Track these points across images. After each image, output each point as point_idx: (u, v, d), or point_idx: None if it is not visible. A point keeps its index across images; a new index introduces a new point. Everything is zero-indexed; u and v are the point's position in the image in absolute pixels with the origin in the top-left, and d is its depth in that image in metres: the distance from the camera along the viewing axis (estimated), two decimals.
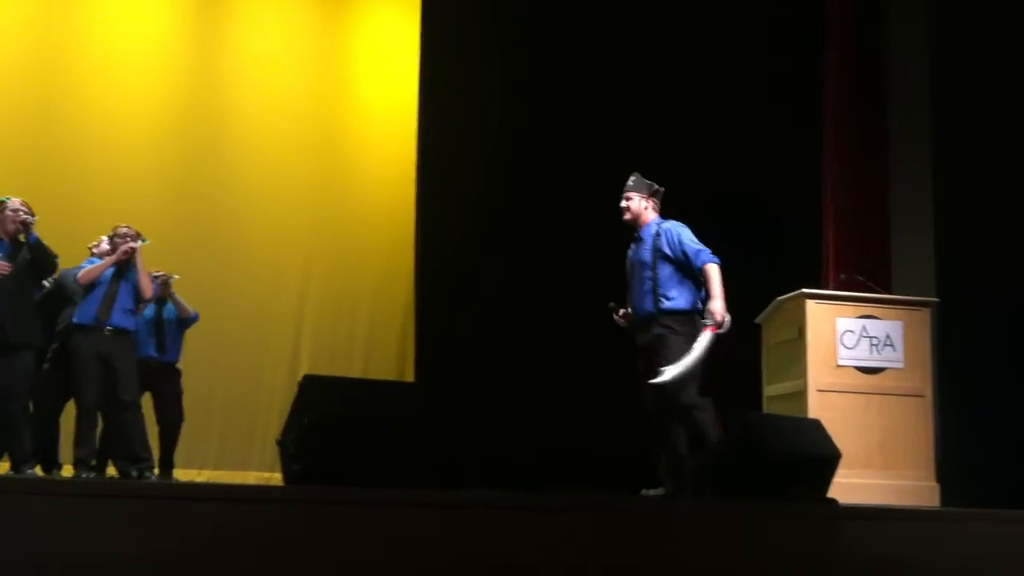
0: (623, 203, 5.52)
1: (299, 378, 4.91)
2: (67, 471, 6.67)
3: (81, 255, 6.93)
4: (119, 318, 6.50)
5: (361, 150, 9.68)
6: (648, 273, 5.31)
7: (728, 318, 5.22)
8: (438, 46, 9.66)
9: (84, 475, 6.20)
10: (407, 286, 9.45)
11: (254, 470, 7.46)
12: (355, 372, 8.85)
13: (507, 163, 9.04)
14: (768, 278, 7.36)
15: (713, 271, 5.25)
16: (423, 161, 9.62)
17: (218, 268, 8.70)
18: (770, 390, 6.75)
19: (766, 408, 6.71)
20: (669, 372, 5.11)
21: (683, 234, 5.34)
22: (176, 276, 7.33)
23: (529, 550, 3.94)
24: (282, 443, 4.69)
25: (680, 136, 8.89)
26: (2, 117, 8.41)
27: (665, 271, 5.29)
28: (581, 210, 8.32)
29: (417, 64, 9.78)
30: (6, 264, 6.13)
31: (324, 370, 8.23)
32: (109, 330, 6.43)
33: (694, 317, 5.23)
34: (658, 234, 5.37)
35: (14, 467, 6.09)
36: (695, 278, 5.29)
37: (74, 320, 6.47)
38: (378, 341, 9.32)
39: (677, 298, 5.27)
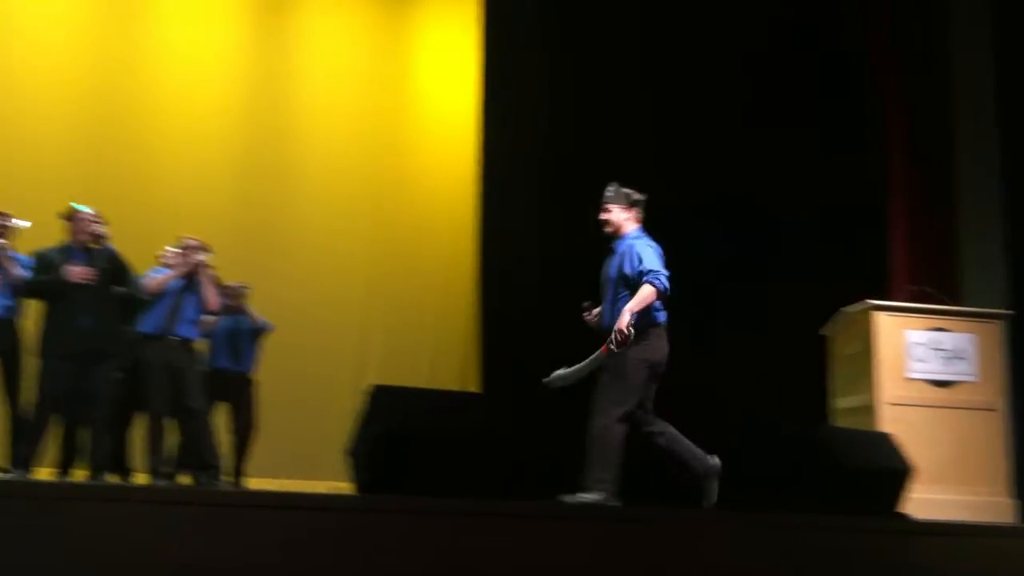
0: (602, 216, 5.37)
1: (367, 386, 4.96)
2: (139, 478, 6.76)
3: (149, 262, 7.00)
4: (183, 328, 6.58)
5: (423, 158, 9.78)
6: (611, 288, 5.25)
7: (630, 335, 4.94)
8: (499, 53, 9.73)
9: (158, 482, 6.29)
10: (470, 292, 9.52)
11: (325, 479, 7.50)
12: (421, 378, 8.88)
13: (570, 170, 9.02)
14: (831, 287, 7.29)
15: (644, 290, 5.01)
16: (485, 168, 9.68)
17: (285, 278, 8.80)
18: (839, 403, 6.67)
19: (835, 421, 6.63)
20: (556, 375, 5.10)
21: (644, 254, 5.15)
22: (250, 287, 7.42)
23: (590, 560, 3.94)
24: (351, 452, 4.74)
25: (741, 142, 8.82)
26: (72, 125, 8.56)
27: (623, 291, 5.19)
28: (648, 215, 8.27)
29: (477, 73, 9.87)
30: (90, 270, 6.17)
31: (391, 376, 8.25)
32: (174, 340, 6.53)
33: (641, 333, 5.09)
34: (625, 252, 5.23)
35: (91, 474, 6.18)
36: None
37: (141, 329, 6.56)
38: (443, 347, 9.38)
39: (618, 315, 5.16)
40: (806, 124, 8.76)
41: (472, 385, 9.30)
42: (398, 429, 4.50)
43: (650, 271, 5.05)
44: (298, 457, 8.21)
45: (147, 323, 6.51)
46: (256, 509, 3.75)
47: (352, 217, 9.37)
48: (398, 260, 9.42)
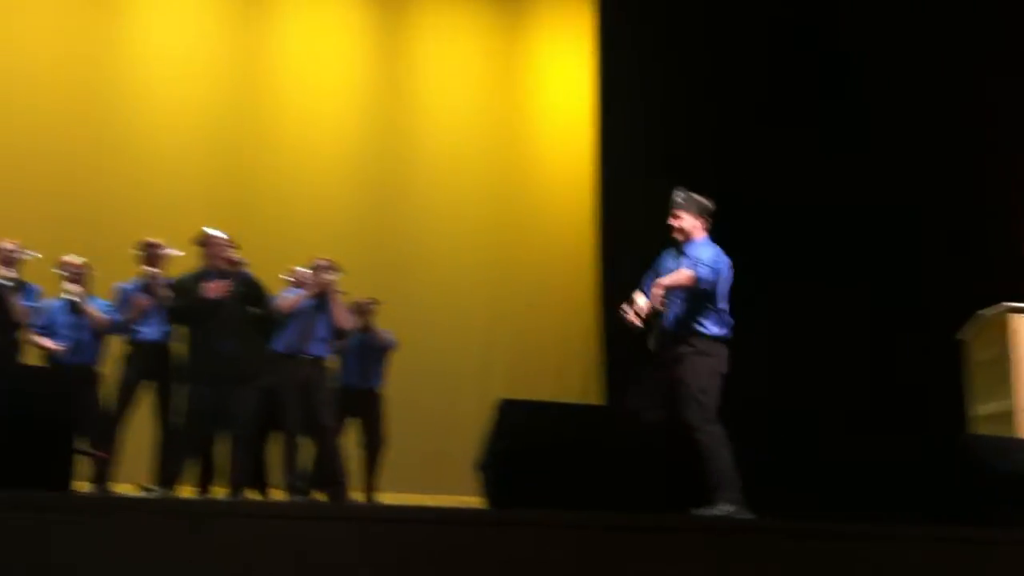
0: (672, 221, 5.33)
1: (494, 400, 5.00)
2: (276, 494, 6.93)
3: (280, 282, 7.18)
4: (315, 347, 6.74)
5: (543, 171, 9.94)
6: (680, 291, 5.17)
7: (650, 302, 5.07)
8: (613, 73, 9.82)
9: (295, 498, 6.44)
10: (592, 303, 9.63)
11: (454, 493, 7.58)
12: (546, 390, 8.90)
13: (689, 177, 8.97)
14: (967, 290, 7.07)
15: (684, 271, 5.08)
16: (603, 181, 9.76)
17: (409, 293, 8.98)
18: (978, 410, 6.45)
19: (974, 429, 6.42)
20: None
21: (702, 252, 5.17)
22: (380, 302, 7.54)
23: (725, 573, 3.90)
24: (482, 467, 4.78)
25: (868, 141, 8.66)
26: (202, 153, 8.93)
27: (680, 292, 5.13)
28: (771, 227, 8.17)
29: (593, 83, 9.98)
30: (226, 283, 6.27)
31: (516, 389, 8.30)
32: (306, 358, 6.69)
33: (705, 340, 5.09)
34: (690, 256, 5.20)
35: (231, 491, 6.35)
36: (714, 303, 5.13)
37: (274, 348, 6.73)
38: (567, 359, 9.48)
39: (695, 322, 5.14)
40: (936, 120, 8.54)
41: (594, 397, 9.33)
42: (528, 443, 4.52)
43: (697, 261, 5.11)
44: (428, 471, 8.32)
45: (280, 343, 6.68)
46: (389, 524, 3.83)
47: (474, 232, 9.57)
48: (520, 273, 9.56)
